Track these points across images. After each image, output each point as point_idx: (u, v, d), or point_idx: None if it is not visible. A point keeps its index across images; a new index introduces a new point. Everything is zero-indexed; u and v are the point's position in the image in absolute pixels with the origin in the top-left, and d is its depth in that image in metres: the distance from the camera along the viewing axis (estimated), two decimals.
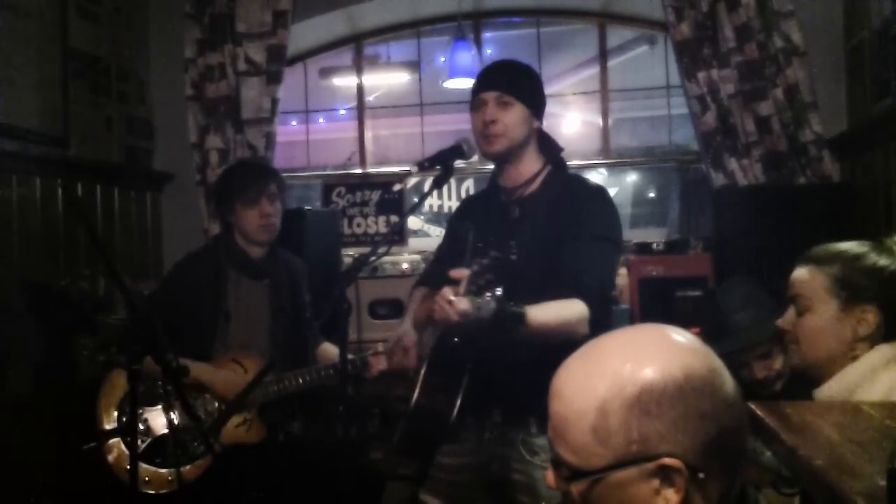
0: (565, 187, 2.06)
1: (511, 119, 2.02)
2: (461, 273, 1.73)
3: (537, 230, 2.00)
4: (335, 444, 2.65)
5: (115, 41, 3.82)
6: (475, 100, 2.07)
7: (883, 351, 1.52)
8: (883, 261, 1.56)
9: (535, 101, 2.08)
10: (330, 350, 2.74)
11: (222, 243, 2.70)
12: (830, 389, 1.55)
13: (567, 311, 1.86)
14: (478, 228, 2.05)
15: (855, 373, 1.53)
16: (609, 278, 2.10)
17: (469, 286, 1.72)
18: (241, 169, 2.84)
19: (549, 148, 2.12)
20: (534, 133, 2.09)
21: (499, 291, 1.73)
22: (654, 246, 3.58)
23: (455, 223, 2.26)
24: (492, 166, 2.20)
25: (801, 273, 1.62)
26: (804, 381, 1.64)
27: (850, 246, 1.60)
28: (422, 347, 2.07)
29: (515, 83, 2.06)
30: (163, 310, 2.51)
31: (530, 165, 2.09)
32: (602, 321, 1.88)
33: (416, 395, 1.95)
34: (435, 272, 2.25)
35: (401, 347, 2.07)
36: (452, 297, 1.70)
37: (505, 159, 2.07)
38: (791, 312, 1.63)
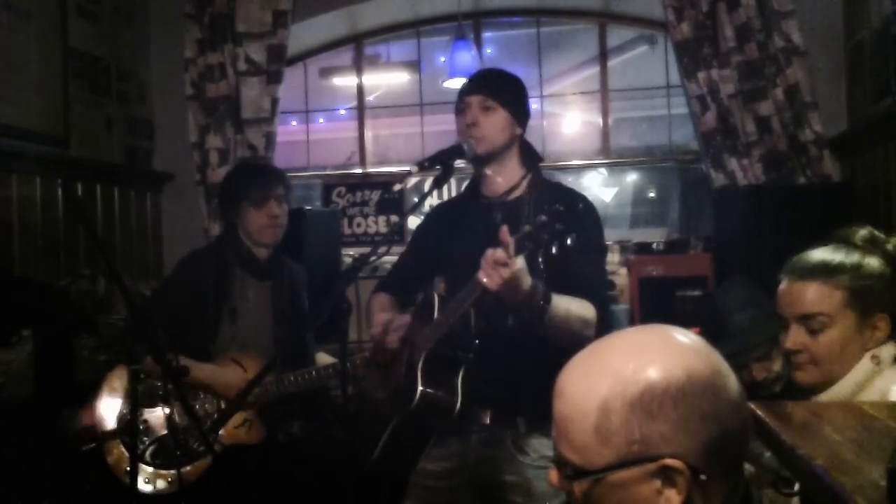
0: (549, 194, 2.06)
1: (493, 123, 2.04)
2: (508, 237, 1.63)
3: None
4: (335, 444, 2.65)
5: (115, 41, 3.82)
6: (460, 103, 2.09)
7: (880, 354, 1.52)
8: (876, 263, 1.55)
9: (519, 109, 2.09)
10: (324, 359, 2.74)
11: (227, 242, 2.70)
12: (831, 398, 1.55)
13: (584, 308, 1.89)
14: (458, 234, 2.07)
15: (851, 381, 1.52)
16: (606, 285, 2.15)
17: (518, 248, 1.61)
18: (247, 170, 2.83)
19: (530, 156, 2.14)
20: (516, 140, 2.10)
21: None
22: (654, 246, 3.58)
23: (431, 229, 2.23)
24: None
25: (811, 290, 1.55)
26: (807, 390, 1.62)
27: (841, 255, 1.57)
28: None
29: (499, 88, 2.08)
30: (166, 307, 2.51)
31: (513, 172, 2.09)
32: (604, 326, 1.90)
33: (418, 392, 1.88)
34: (400, 280, 2.25)
35: (392, 327, 2.02)
36: (507, 258, 1.60)
37: (486, 164, 2.08)
38: (798, 332, 1.57)
